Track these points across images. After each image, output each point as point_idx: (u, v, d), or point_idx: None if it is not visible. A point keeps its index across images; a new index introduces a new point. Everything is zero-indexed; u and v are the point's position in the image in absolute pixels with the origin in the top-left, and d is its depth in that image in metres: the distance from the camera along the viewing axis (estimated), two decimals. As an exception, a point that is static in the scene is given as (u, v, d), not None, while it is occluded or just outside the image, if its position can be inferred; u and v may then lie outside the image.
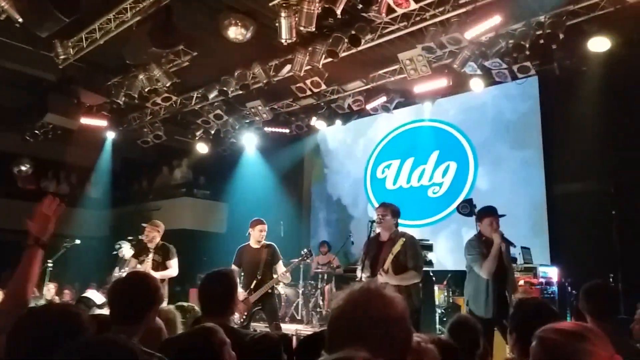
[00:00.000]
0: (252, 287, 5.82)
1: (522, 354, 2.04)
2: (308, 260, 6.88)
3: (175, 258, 6.36)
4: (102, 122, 9.86)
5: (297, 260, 6.48)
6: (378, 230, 4.99)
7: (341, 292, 1.40)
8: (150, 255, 6.28)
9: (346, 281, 6.92)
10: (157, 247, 6.37)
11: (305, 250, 6.57)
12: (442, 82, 8.01)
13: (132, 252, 6.47)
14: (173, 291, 7.39)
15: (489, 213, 4.99)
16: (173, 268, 6.31)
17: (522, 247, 7.35)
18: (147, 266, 6.13)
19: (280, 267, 6.02)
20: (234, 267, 5.97)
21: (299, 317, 8.88)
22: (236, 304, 2.87)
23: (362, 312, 1.30)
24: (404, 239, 4.81)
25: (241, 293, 5.70)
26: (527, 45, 6.64)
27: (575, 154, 7.66)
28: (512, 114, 8.84)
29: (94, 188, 13.65)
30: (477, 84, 7.91)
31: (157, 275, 5.82)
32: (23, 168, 11.26)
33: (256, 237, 5.99)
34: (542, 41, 6.60)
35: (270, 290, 5.92)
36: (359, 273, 4.97)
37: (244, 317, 5.79)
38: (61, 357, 1.52)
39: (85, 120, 9.54)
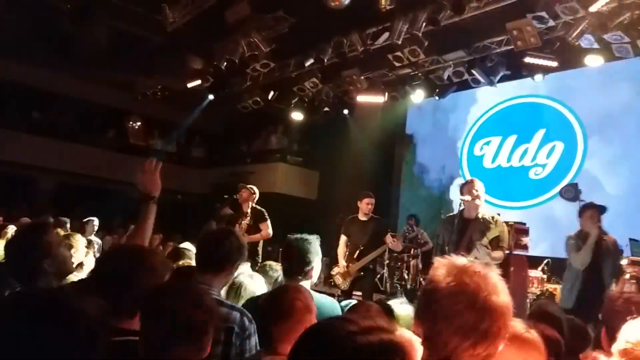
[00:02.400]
0: (355, 257, 6.01)
1: (609, 346, 1.89)
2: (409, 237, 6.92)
3: (268, 220, 6.63)
4: (205, 86, 10.27)
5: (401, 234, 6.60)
6: (464, 206, 4.80)
7: (445, 266, 1.32)
8: (246, 220, 6.59)
9: (432, 258, 6.82)
10: (251, 210, 6.65)
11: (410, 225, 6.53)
12: (552, 55, 7.38)
13: (230, 211, 6.80)
14: (265, 251, 7.68)
15: (590, 207, 4.88)
16: (267, 230, 6.59)
17: (630, 239, 6.74)
18: (242, 230, 6.43)
19: (388, 238, 6.07)
20: (343, 236, 6.21)
21: (382, 288, 8.88)
22: (311, 269, 2.91)
23: (468, 293, 1.22)
24: (502, 225, 4.66)
25: (344, 267, 6.04)
26: (657, 16, 5.91)
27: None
28: (632, 94, 7.96)
29: (197, 148, 14.45)
30: (593, 60, 7.16)
31: (248, 238, 6.19)
32: (134, 125, 12.13)
33: (363, 209, 6.13)
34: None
35: (371, 265, 6.10)
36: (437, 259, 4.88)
37: (348, 284, 6.04)
38: (145, 298, 1.62)
39: (190, 83, 10.02)
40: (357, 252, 5.99)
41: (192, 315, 1.57)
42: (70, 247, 4.16)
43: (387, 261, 9.01)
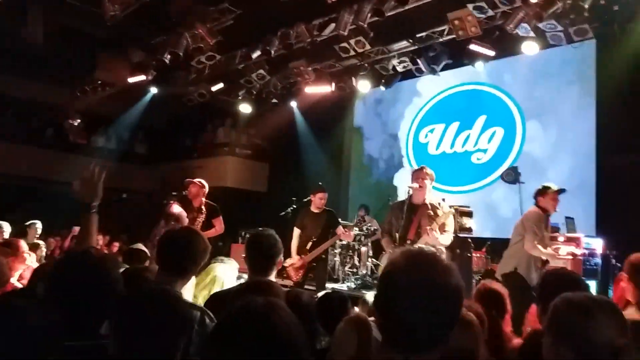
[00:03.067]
0: (307, 248, 6.12)
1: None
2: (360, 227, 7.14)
3: (220, 216, 6.56)
4: (148, 80, 10.00)
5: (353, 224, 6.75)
6: (411, 193, 4.95)
7: (394, 252, 1.39)
8: (201, 218, 6.47)
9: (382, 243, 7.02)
10: (203, 206, 6.54)
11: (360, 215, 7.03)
12: (491, 44, 7.69)
13: (180, 209, 6.67)
14: (216, 246, 7.58)
15: (556, 190, 5.07)
16: (219, 225, 6.51)
17: (566, 217, 7.16)
18: (196, 225, 6.31)
19: (340, 230, 6.28)
20: (296, 228, 6.32)
21: (335, 276, 9.02)
22: (279, 263, 2.95)
23: (425, 277, 1.26)
24: (449, 210, 4.85)
25: (297, 259, 6.13)
26: (587, 6, 6.29)
27: (631, 123, 7.25)
28: (565, 79, 8.41)
29: (141, 144, 14.05)
30: (529, 47, 7.53)
31: (204, 234, 6.08)
32: (74, 122, 11.64)
33: (316, 203, 6.27)
34: (602, 1, 6.23)
35: (324, 256, 6.24)
36: (386, 243, 5.03)
37: (300, 275, 6.14)
38: (119, 304, 1.61)
39: (132, 78, 9.73)
40: (310, 243, 6.12)
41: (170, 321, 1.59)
42: (8, 254, 3.99)
43: (339, 250, 9.15)
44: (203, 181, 6.75)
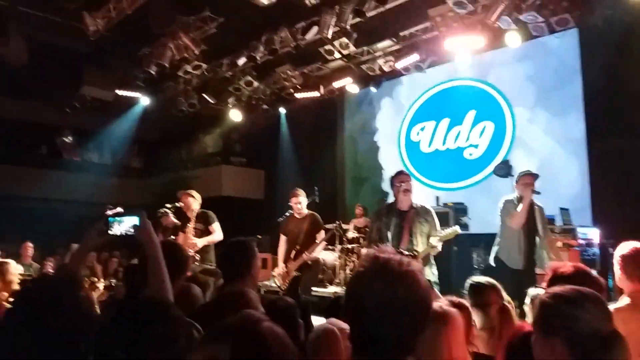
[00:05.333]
0: (292, 256, 5.95)
1: None
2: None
3: (217, 222, 6.47)
4: (136, 93, 10.01)
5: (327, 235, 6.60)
6: (395, 198, 4.78)
7: (361, 260, 1.35)
8: (192, 224, 6.39)
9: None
10: (197, 215, 6.48)
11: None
12: (476, 39, 7.68)
13: (175, 220, 6.61)
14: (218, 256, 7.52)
15: (525, 174, 5.17)
16: (217, 232, 6.39)
17: (560, 208, 7.13)
18: (190, 234, 6.24)
19: (320, 236, 6.02)
20: (282, 235, 6.14)
21: (337, 280, 8.97)
22: (256, 271, 2.91)
23: (389, 292, 1.24)
24: (432, 217, 4.70)
25: (282, 267, 5.97)
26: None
27: (619, 110, 7.24)
28: (551, 69, 8.41)
29: (134, 158, 14.05)
30: (513, 39, 7.52)
31: (203, 241, 6.01)
32: (66, 139, 11.65)
33: (294, 208, 6.07)
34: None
35: (310, 262, 5.98)
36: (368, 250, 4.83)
37: (286, 284, 5.95)
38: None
39: (120, 92, 9.75)
40: (294, 252, 5.92)
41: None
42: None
43: (339, 253, 9.11)
44: (193, 191, 6.72)
